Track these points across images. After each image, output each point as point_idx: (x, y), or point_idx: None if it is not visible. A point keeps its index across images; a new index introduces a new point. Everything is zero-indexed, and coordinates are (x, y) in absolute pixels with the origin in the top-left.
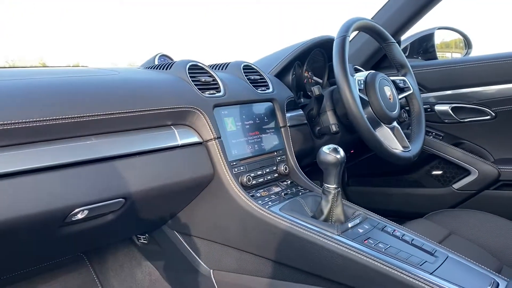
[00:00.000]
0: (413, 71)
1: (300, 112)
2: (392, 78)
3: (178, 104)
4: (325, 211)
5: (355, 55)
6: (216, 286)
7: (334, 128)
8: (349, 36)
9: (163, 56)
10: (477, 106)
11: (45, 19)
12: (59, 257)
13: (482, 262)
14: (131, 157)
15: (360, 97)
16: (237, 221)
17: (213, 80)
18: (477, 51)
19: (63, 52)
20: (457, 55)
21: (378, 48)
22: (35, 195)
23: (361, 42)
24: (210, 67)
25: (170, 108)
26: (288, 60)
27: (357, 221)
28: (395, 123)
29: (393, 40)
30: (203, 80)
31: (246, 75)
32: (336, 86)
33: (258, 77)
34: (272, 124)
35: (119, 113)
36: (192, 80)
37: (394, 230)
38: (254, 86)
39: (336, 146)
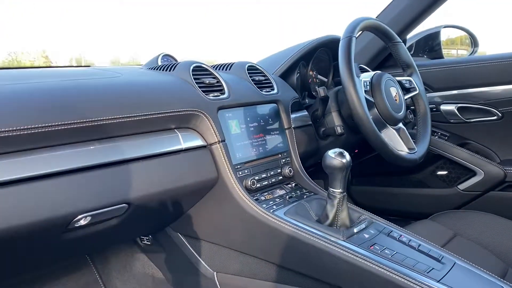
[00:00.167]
0: (419, 70)
1: (305, 113)
2: (398, 78)
3: (182, 107)
4: (331, 215)
5: (361, 53)
6: None
7: (339, 130)
8: (355, 36)
9: (166, 56)
10: (484, 106)
11: (45, 19)
12: (61, 260)
13: (487, 265)
14: (134, 162)
15: (366, 99)
16: (241, 224)
17: (217, 82)
18: (485, 49)
19: (66, 44)
20: (463, 52)
21: (384, 47)
22: (37, 203)
23: (366, 41)
24: (214, 67)
25: (174, 111)
26: (293, 60)
27: (363, 226)
28: (400, 124)
29: (399, 40)
30: (207, 82)
31: (250, 76)
32: (341, 86)
33: (263, 78)
34: (276, 126)
35: (122, 117)
36: (196, 82)
37: (401, 236)
38: (258, 87)
39: (341, 150)
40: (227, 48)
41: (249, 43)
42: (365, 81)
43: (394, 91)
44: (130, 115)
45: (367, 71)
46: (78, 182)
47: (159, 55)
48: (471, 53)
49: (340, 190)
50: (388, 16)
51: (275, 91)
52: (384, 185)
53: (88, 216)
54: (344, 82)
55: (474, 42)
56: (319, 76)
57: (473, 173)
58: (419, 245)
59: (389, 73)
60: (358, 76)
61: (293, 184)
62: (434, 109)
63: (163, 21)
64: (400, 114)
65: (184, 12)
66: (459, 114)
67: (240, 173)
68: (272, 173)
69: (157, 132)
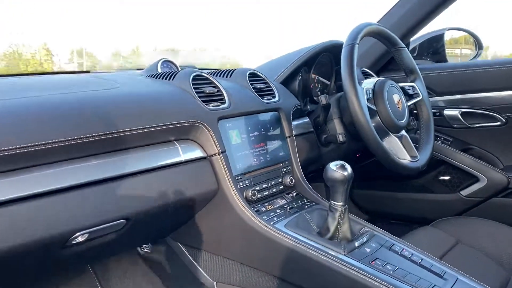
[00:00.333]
0: (422, 74)
1: (306, 119)
2: (401, 84)
3: (181, 119)
4: (332, 228)
5: (363, 57)
6: None
7: (341, 138)
8: (357, 44)
9: (166, 61)
10: (487, 111)
11: (45, 19)
12: (60, 274)
13: (489, 273)
14: (133, 176)
15: (368, 107)
16: (241, 236)
17: (218, 91)
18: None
19: (67, 36)
20: (467, 52)
21: (386, 50)
22: (33, 223)
23: (369, 45)
24: (215, 74)
25: (174, 124)
26: (295, 66)
27: (364, 239)
28: (403, 132)
29: (403, 45)
30: (207, 91)
31: (251, 83)
32: (343, 92)
33: (264, 85)
34: (278, 135)
35: (120, 132)
36: (196, 92)
37: (402, 249)
38: (259, 95)
39: (343, 162)
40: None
41: (249, 43)
42: (367, 89)
43: (397, 98)
44: (129, 129)
45: (370, 74)
46: (75, 199)
47: (158, 61)
48: (475, 55)
49: (341, 203)
50: (391, 20)
51: (277, 98)
52: (386, 189)
53: (86, 233)
54: (346, 90)
55: (478, 44)
56: (321, 79)
57: (476, 179)
58: (421, 259)
59: (392, 77)
60: (361, 83)
61: (294, 194)
62: (437, 114)
63: (163, 21)
64: (402, 121)
65: (184, 12)
66: (462, 119)
67: (241, 184)
68: (273, 182)
69: (156, 145)
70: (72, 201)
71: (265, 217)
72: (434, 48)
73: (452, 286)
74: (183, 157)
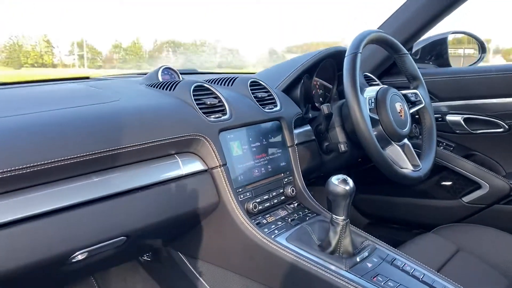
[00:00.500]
0: (425, 79)
1: (308, 127)
2: (403, 92)
3: (182, 132)
4: (333, 242)
5: (365, 61)
6: None
7: (343, 148)
8: (360, 52)
9: (167, 69)
10: (490, 118)
11: (44, 19)
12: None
13: (490, 282)
14: (133, 192)
15: (370, 117)
16: (242, 249)
17: (219, 102)
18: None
19: (67, 28)
20: (470, 51)
21: (389, 55)
22: (32, 244)
23: (371, 49)
24: (216, 81)
25: (175, 138)
26: (297, 73)
27: (366, 253)
28: (405, 140)
29: (406, 52)
30: (208, 102)
31: (253, 93)
32: (345, 100)
33: (265, 94)
34: (279, 144)
35: (121, 148)
36: (197, 104)
37: (404, 264)
38: (261, 104)
39: (345, 177)
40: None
41: (249, 43)
42: (370, 98)
43: (399, 106)
44: (130, 145)
45: (372, 79)
46: (75, 218)
47: (159, 68)
48: (479, 59)
49: (343, 217)
50: (394, 24)
51: (278, 107)
52: (388, 194)
53: (86, 252)
54: (348, 100)
55: (482, 48)
56: (323, 83)
57: (478, 186)
58: (423, 275)
59: (394, 81)
60: (363, 92)
61: (296, 204)
62: (439, 119)
63: (163, 13)
64: (405, 130)
65: (184, 3)
66: (465, 125)
67: (242, 196)
68: (274, 193)
69: (156, 159)
70: (71, 221)
71: (266, 229)
72: (437, 51)
73: None
74: (184, 170)
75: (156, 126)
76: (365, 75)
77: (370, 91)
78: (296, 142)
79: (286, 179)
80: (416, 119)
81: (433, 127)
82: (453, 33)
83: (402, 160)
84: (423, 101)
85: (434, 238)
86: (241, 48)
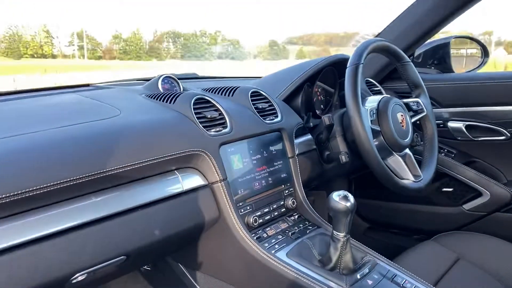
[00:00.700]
0: (427, 85)
1: (309, 136)
2: (405, 100)
3: (183, 148)
4: (334, 258)
5: (367, 67)
6: None
7: (344, 159)
8: (362, 63)
9: (167, 78)
10: (492, 125)
11: (44, 8)
12: None
13: None
14: (133, 211)
15: (372, 128)
16: (242, 263)
17: (220, 115)
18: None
19: (67, 18)
20: (473, 51)
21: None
22: (32, 269)
23: (372, 55)
24: (216, 91)
25: (175, 154)
26: (298, 83)
27: (366, 270)
28: (407, 150)
29: (408, 60)
30: (209, 116)
31: (254, 104)
32: (346, 109)
33: (266, 105)
34: (280, 156)
35: (121, 167)
36: (197, 117)
37: (405, 281)
38: (262, 115)
39: (346, 193)
40: (227, 29)
41: (249, 34)
42: (371, 110)
43: (401, 116)
44: (130, 163)
45: (374, 84)
46: (74, 241)
47: (159, 77)
48: (481, 63)
49: (343, 234)
50: (395, 31)
51: (279, 118)
52: (389, 200)
53: (86, 273)
54: (349, 112)
55: (484, 52)
56: (325, 87)
57: (479, 194)
58: None
59: (396, 86)
60: (364, 101)
61: (296, 216)
62: (441, 125)
63: (163, 3)
64: (406, 140)
65: (184, 12)
66: (466, 132)
67: (242, 210)
68: (274, 206)
69: (156, 176)
70: (71, 243)
71: (266, 244)
72: (439, 55)
73: None
74: (184, 186)
75: (156, 143)
76: (366, 80)
77: (372, 102)
78: (297, 152)
79: (286, 191)
80: (418, 125)
81: (435, 136)
82: (456, 37)
83: (403, 170)
84: (425, 110)
85: (434, 246)
86: (242, 39)
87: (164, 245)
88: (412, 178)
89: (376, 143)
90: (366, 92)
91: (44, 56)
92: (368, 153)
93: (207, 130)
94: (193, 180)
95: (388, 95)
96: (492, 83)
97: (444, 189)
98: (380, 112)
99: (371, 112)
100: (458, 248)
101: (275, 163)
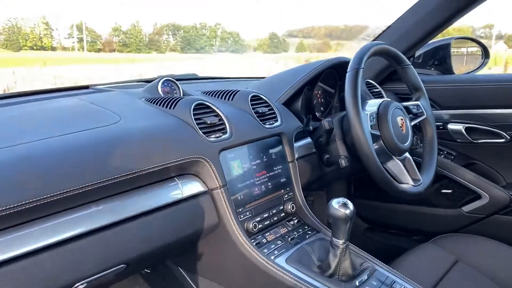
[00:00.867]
0: (427, 87)
1: (309, 140)
2: (405, 104)
3: (183, 155)
4: (333, 265)
5: (367, 68)
6: None
7: (343, 163)
8: (363, 68)
9: (167, 80)
10: (492, 128)
11: (44, 10)
12: None
13: None
14: (133, 220)
15: (372, 133)
16: (241, 269)
17: (219, 120)
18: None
19: (66, 10)
20: (473, 49)
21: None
22: (31, 280)
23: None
24: (216, 94)
25: (175, 161)
26: (298, 86)
27: (365, 276)
28: (406, 154)
29: (408, 63)
30: (208, 122)
31: (253, 108)
32: (346, 113)
33: (266, 109)
34: (279, 160)
35: (121, 176)
36: (197, 123)
37: (403, 287)
38: (261, 119)
39: (346, 200)
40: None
41: (249, 26)
42: (371, 114)
43: (401, 120)
44: (130, 172)
45: (374, 86)
46: (74, 250)
47: (159, 81)
48: (481, 64)
49: (343, 241)
50: (395, 33)
51: (279, 122)
52: (388, 201)
53: (86, 282)
54: (349, 116)
55: (485, 54)
56: (325, 88)
57: (478, 196)
58: None
59: (396, 87)
60: (364, 105)
61: (296, 221)
62: (441, 127)
63: (162, 3)
64: (406, 144)
65: (184, 12)
66: (466, 134)
67: (242, 216)
68: (274, 211)
69: (156, 184)
70: (72, 253)
71: (265, 250)
72: (440, 56)
73: None
74: (184, 193)
75: (156, 151)
76: (366, 81)
77: (372, 106)
78: (296, 156)
79: (286, 196)
80: (418, 127)
81: (435, 139)
82: (456, 38)
83: (402, 174)
84: (425, 113)
85: (433, 248)
86: (242, 32)
87: (164, 251)
88: (411, 182)
89: (376, 147)
90: (366, 94)
91: (43, 48)
92: (368, 158)
93: (207, 136)
94: (193, 187)
95: (388, 99)
96: (492, 86)
97: (443, 191)
98: (380, 117)
99: (371, 116)
100: (456, 251)
101: (274, 168)
